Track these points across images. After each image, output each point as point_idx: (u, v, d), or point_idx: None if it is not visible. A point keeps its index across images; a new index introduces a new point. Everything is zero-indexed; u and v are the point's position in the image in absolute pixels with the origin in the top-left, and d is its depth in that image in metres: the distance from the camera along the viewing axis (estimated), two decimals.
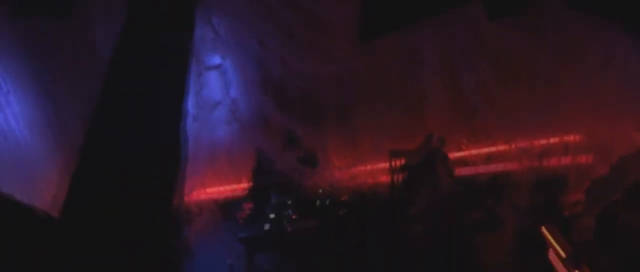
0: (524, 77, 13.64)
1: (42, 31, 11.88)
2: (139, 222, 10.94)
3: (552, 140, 14.66)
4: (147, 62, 11.72)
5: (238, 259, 14.20)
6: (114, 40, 11.59)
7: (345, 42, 14.11)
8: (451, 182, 14.72)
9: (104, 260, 10.32)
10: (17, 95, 12.01)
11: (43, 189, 11.34)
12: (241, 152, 15.12)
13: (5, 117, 11.78)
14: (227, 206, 15.39)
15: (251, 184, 15.77)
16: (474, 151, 15.75)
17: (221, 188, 15.75)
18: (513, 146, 14.97)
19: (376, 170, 15.96)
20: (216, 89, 14.24)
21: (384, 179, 15.73)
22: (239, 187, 15.98)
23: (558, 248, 13.07)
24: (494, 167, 15.28)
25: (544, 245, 13.35)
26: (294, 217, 15.24)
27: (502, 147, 15.39)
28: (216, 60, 14.19)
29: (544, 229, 13.56)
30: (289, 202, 15.47)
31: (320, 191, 15.64)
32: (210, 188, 15.50)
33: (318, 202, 15.56)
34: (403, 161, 15.53)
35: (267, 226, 15.07)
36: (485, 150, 15.65)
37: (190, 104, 12.88)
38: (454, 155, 15.62)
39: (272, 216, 15.23)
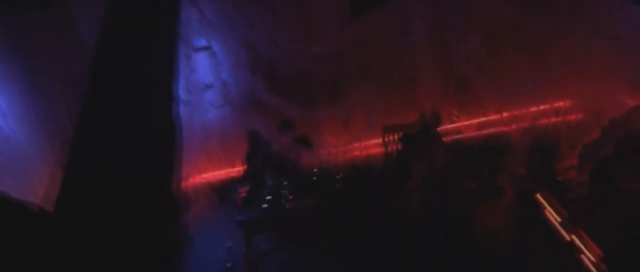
0: (514, 45, 13.63)
1: (23, 23, 11.52)
2: (137, 212, 10.85)
3: (543, 106, 14.78)
4: (132, 47, 11.42)
5: (236, 242, 14.28)
6: (97, 27, 11.25)
7: (333, 18, 13.94)
8: (445, 155, 14.83)
9: (102, 251, 10.26)
10: (2, 90, 11.72)
11: (35, 183, 11.16)
12: (234, 135, 15.02)
13: None
14: (223, 190, 15.37)
15: (246, 166, 15.75)
16: (466, 122, 15.83)
17: (216, 172, 15.70)
18: (505, 114, 15.08)
19: (370, 146, 15.99)
20: (206, 72, 14.03)
21: (379, 155, 15.78)
22: (234, 170, 15.94)
23: (553, 213, 13.35)
24: (487, 137, 15.40)
25: (539, 210, 13.61)
26: (290, 197, 15.30)
27: (494, 117, 15.48)
28: (203, 42, 13.97)
29: (539, 196, 13.81)
30: (285, 182, 15.50)
31: (316, 170, 15.66)
32: (206, 173, 15.43)
33: (314, 179, 15.60)
34: (397, 136, 15.58)
35: (264, 208, 15.13)
36: (477, 120, 15.74)
37: (181, 88, 12.67)
38: (446, 127, 15.70)
39: (268, 197, 15.27)
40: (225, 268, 14.23)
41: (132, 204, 10.82)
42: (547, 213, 13.36)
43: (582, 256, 12.46)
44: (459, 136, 15.61)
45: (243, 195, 15.39)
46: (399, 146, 15.61)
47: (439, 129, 15.36)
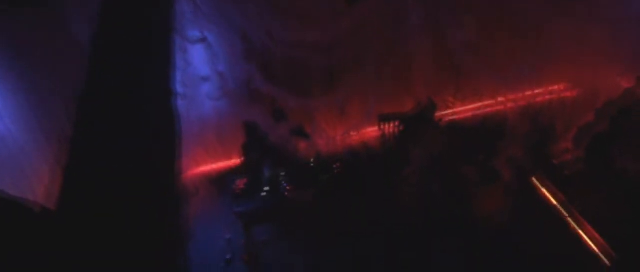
0: (510, 30, 13.73)
1: (17, 23, 11.32)
2: (137, 206, 10.88)
3: (539, 90, 14.98)
4: (128, 42, 11.39)
5: (235, 233, 14.34)
6: (92, 24, 11.20)
7: (328, 7, 13.90)
8: (442, 140, 14.93)
9: (103, 243, 10.29)
10: None
11: (35, 182, 11.11)
12: (232, 127, 15.03)
13: None
14: (222, 182, 15.40)
15: (244, 158, 15.77)
16: (462, 108, 15.98)
17: (214, 165, 15.72)
18: (500, 99, 15.24)
19: (367, 134, 16.09)
20: (202, 64, 13.95)
21: (376, 142, 15.88)
22: (232, 162, 15.97)
23: (549, 196, 13.56)
24: (482, 122, 15.56)
25: (536, 193, 13.82)
26: (288, 187, 15.34)
27: (489, 101, 15.64)
28: (198, 34, 13.85)
29: (534, 179, 14.01)
30: (283, 173, 15.53)
31: (313, 159, 15.72)
32: (204, 166, 15.45)
33: (312, 168, 15.66)
34: (393, 124, 15.67)
35: (262, 199, 15.17)
36: (472, 106, 15.90)
37: (177, 82, 12.65)
38: (443, 113, 15.82)
39: (266, 188, 15.30)
40: (225, 259, 14.33)
41: (131, 198, 10.87)
42: (543, 195, 13.57)
43: (578, 235, 12.71)
44: (456, 118, 15.77)
45: (241, 186, 15.41)
46: (396, 133, 15.71)
47: (435, 114, 15.47)
